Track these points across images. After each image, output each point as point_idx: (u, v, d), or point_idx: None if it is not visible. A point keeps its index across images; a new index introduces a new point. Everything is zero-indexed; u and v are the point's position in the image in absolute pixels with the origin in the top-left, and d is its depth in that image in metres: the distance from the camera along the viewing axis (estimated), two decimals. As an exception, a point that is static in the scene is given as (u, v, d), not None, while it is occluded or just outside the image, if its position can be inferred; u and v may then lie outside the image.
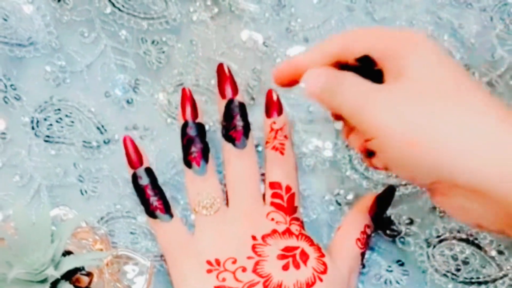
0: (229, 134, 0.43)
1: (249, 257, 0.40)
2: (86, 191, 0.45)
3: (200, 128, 0.43)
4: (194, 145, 0.42)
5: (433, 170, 0.34)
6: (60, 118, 0.46)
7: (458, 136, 0.33)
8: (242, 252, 0.40)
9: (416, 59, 0.36)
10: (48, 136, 0.46)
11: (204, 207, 0.41)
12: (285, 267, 0.40)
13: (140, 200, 0.42)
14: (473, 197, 0.34)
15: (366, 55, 0.37)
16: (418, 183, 0.37)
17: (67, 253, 0.39)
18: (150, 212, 0.42)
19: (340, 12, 0.48)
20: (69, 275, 0.38)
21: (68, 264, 0.38)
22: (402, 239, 0.45)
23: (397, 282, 0.44)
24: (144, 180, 0.41)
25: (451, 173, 0.33)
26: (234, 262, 0.39)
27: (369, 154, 0.38)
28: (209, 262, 0.40)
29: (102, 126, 0.46)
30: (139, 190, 0.42)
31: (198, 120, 0.43)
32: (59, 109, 0.46)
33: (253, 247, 0.40)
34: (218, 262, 0.40)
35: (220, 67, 0.43)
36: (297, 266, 0.40)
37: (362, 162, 0.42)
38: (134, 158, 0.42)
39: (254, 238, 0.40)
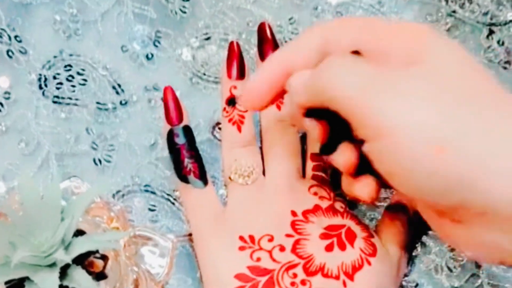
0: None
1: (288, 235, 0.37)
2: (100, 161, 0.42)
3: None
4: (237, 107, 0.40)
5: (457, 190, 0.27)
6: (71, 76, 0.43)
7: (501, 150, 0.27)
8: (280, 228, 0.38)
9: (435, 48, 0.30)
10: (57, 97, 0.43)
11: (241, 175, 0.39)
12: (329, 248, 0.37)
13: (172, 161, 0.40)
14: (507, 228, 0.28)
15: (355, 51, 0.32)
16: (428, 205, 0.31)
17: (79, 232, 0.36)
18: (182, 176, 0.39)
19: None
20: (82, 259, 0.35)
21: (81, 246, 0.34)
22: (454, 219, 0.42)
23: (449, 270, 0.41)
24: (181, 139, 0.39)
25: (484, 196, 0.27)
26: (271, 239, 0.37)
27: (359, 171, 0.32)
28: (241, 238, 0.37)
29: (119, 86, 0.43)
30: (174, 150, 0.39)
31: (244, 80, 0.41)
32: (70, 65, 0.43)
33: (293, 224, 0.38)
34: (252, 239, 0.37)
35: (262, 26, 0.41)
36: (342, 247, 0.37)
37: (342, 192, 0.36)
38: (174, 113, 0.40)
39: (294, 213, 0.38)
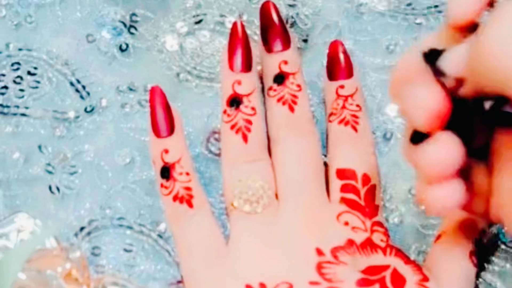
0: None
1: (313, 283, 0.34)
2: (58, 188, 0.38)
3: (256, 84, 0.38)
4: (241, 109, 0.37)
5: None
6: (20, 77, 0.39)
7: None
8: (301, 274, 0.34)
9: None
10: (1, 105, 0.40)
11: (248, 200, 0.36)
12: None
13: (159, 186, 0.36)
14: None
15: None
16: None
17: (20, 294, 0.30)
18: (171, 205, 0.36)
19: None
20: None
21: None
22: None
23: (524, 319, 0.37)
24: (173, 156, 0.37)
25: None
26: None
27: None
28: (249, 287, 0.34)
29: (83, 88, 0.40)
30: (163, 170, 0.36)
31: (251, 74, 0.38)
32: (18, 63, 0.40)
33: (319, 267, 0.34)
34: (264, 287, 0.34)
35: (266, 7, 0.38)
36: None
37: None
38: (162, 122, 0.36)
39: (319, 252, 0.34)
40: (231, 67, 0.37)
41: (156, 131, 0.36)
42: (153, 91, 0.37)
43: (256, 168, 0.37)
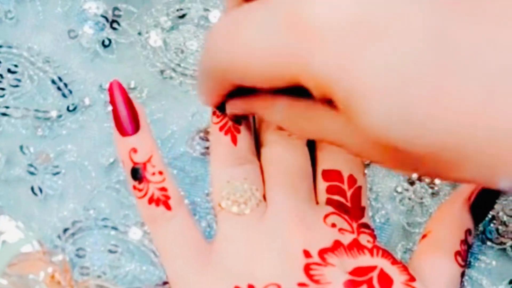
0: None
1: (301, 284, 0.33)
2: (40, 189, 0.37)
3: None
4: (231, 107, 0.36)
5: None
6: (0, 76, 0.39)
7: None
8: (289, 275, 0.34)
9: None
10: None
11: (236, 201, 0.35)
12: None
13: (131, 188, 0.35)
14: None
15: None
16: None
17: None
18: (147, 208, 0.35)
19: None
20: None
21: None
22: (514, 247, 0.39)
23: (513, 316, 0.37)
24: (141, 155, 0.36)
25: None
26: None
27: None
28: None
29: (65, 86, 0.39)
30: (134, 171, 0.35)
31: None
32: None
33: (307, 268, 0.34)
34: None
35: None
36: None
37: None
38: (126, 119, 0.35)
39: (307, 254, 0.34)
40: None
41: (121, 129, 0.35)
42: (112, 86, 0.36)
43: (245, 170, 0.36)
